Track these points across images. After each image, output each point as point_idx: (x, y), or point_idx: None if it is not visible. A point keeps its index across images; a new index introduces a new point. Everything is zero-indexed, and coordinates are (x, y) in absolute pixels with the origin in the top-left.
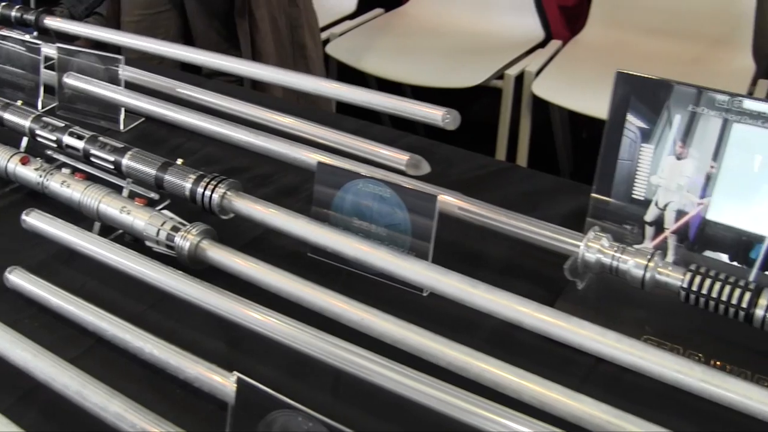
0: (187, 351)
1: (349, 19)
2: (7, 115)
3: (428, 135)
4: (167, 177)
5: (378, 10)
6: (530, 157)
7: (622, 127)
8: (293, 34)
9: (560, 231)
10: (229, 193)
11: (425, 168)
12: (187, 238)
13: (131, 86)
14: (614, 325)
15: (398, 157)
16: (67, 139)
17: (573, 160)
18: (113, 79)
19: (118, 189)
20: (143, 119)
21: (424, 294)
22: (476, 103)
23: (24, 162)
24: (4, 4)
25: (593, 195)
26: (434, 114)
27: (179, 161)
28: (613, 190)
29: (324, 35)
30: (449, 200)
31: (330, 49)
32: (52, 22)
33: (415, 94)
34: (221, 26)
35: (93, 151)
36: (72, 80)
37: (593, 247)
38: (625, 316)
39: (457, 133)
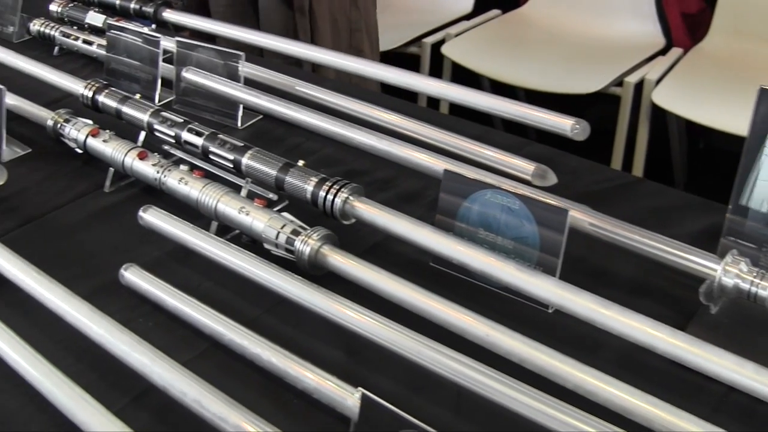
0: (304, 359)
1: (466, 19)
2: (125, 109)
3: (540, 140)
4: (288, 179)
5: (495, 12)
6: (645, 166)
7: (762, 146)
8: (351, 38)
9: (694, 251)
10: (351, 198)
11: (552, 179)
12: (308, 243)
13: (250, 83)
14: (749, 353)
15: (524, 166)
16: (186, 135)
17: (688, 171)
18: (232, 75)
19: (236, 188)
20: (261, 116)
21: (549, 311)
22: (591, 110)
23: (142, 157)
24: None
25: (729, 216)
26: (563, 123)
27: (300, 163)
28: (751, 212)
29: (439, 35)
30: (579, 215)
31: (446, 49)
32: (170, 15)
33: (529, 98)
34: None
35: (212, 149)
36: (191, 75)
37: (731, 272)
38: (762, 345)
39: (571, 140)
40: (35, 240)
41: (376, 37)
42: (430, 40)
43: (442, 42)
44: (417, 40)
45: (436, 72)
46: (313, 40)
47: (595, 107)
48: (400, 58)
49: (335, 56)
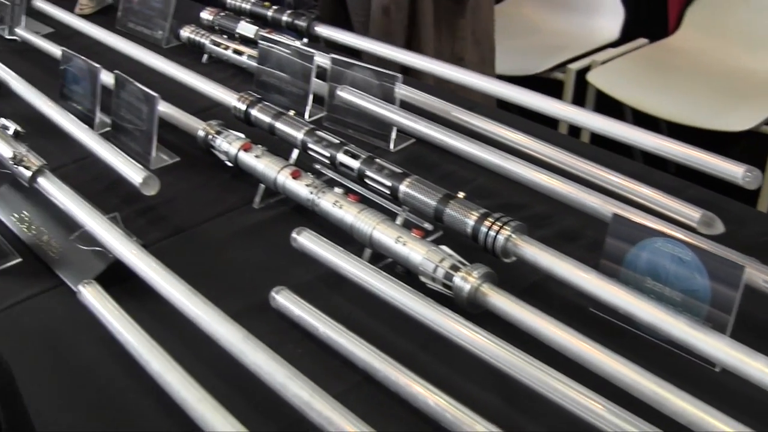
0: (458, 400)
1: (612, 46)
2: (279, 125)
3: (679, 175)
4: (448, 211)
5: (642, 40)
6: None
7: None
8: (454, 45)
9: None
10: (514, 235)
11: (719, 227)
12: (468, 280)
13: (404, 105)
14: None
15: (690, 212)
16: (342, 157)
17: None
18: (388, 96)
19: (390, 215)
20: (413, 140)
21: (716, 369)
22: (736, 148)
23: (295, 176)
24: (275, 8)
25: None
26: (733, 170)
27: (461, 194)
28: None
29: (585, 62)
30: (755, 271)
31: (591, 77)
32: (323, 30)
33: (671, 131)
34: None
35: (368, 173)
36: (346, 94)
37: None
38: None
39: (716, 179)
40: (184, 252)
41: (488, 48)
42: (575, 66)
43: (586, 68)
44: (562, 66)
45: (579, 98)
46: (413, 47)
47: (740, 145)
48: (543, 82)
49: (478, 78)
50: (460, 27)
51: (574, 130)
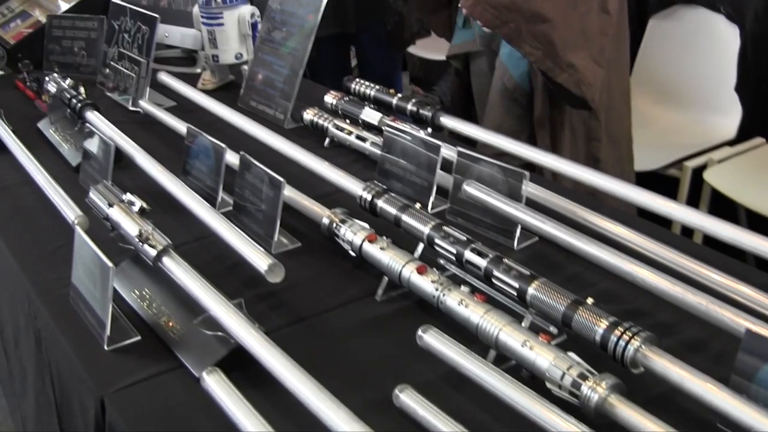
0: None
1: (729, 145)
2: (405, 218)
3: None
4: (577, 317)
5: (759, 140)
6: None
7: None
8: (588, 146)
9: None
10: (644, 347)
11: None
12: (596, 390)
13: (529, 202)
14: None
15: None
16: (469, 255)
17: None
18: (514, 193)
19: (516, 316)
20: (537, 239)
21: None
22: None
23: (421, 271)
24: (400, 96)
25: None
26: None
27: (589, 301)
28: None
29: (701, 160)
30: None
31: (708, 175)
32: (447, 121)
33: None
34: None
35: (496, 273)
36: (472, 189)
37: None
38: None
39: None
40: (304, 341)
41: (625, 147)
42: (691, 164)
43: (703, 166)
44: (677, 163)
45: (694, 196)
46: (552, 147)
47: None
48: (658, 178)
49: (591, 174)
50: (593, 129)
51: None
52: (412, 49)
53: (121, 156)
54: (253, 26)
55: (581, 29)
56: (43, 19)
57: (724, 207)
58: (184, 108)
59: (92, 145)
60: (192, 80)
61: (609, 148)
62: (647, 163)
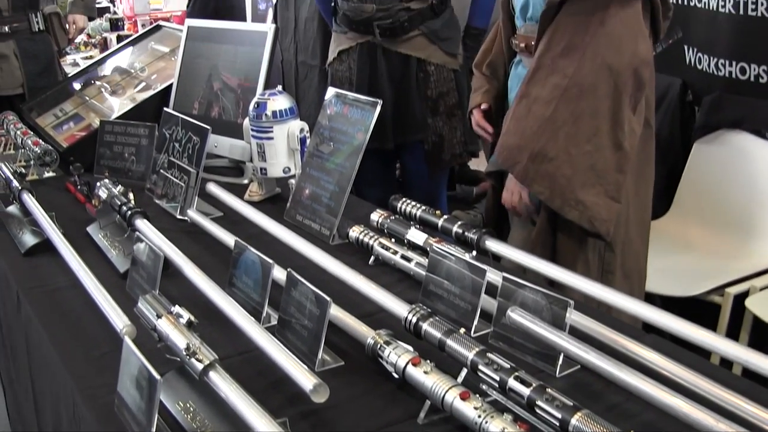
0: None
1: None
2: (450, 342)
3: None
4: None
5: None
6: None
7: None
8: (602, 279)
9: None
10: None
11: None
12: None
13: (573, 330)
14: None
15: None
16: (512, 383)
17: None
18: (557, 321)
19: None
20: (579, 366)
21: None
22: None
23: (464, 397)
24: (446, 217)
25: None
26: None
27: None
28: None
29: (743, 286)
30: None
31: (749, 303)
32: (493, 245)
33: None
34: None
35: (539, 403)
36: (517, 316)
37: None
38: None
39: None
40: None
41: (638, 282)
42: (732, 290)
43: (744, 293)
44: (719, 289)
45: (735, 322)
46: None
47: None
48: (699, 304)
49: (629, 301)
50: (607, 261)
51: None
52: None
53: (168, 265)
54: (302, 141)
55: (589, 167)
56: (95, 124)
57: (766, 335)
58: (230, 219)
59: (141, 253)
60: (239, 190)
61: (622, 281)
62: (688, 289)
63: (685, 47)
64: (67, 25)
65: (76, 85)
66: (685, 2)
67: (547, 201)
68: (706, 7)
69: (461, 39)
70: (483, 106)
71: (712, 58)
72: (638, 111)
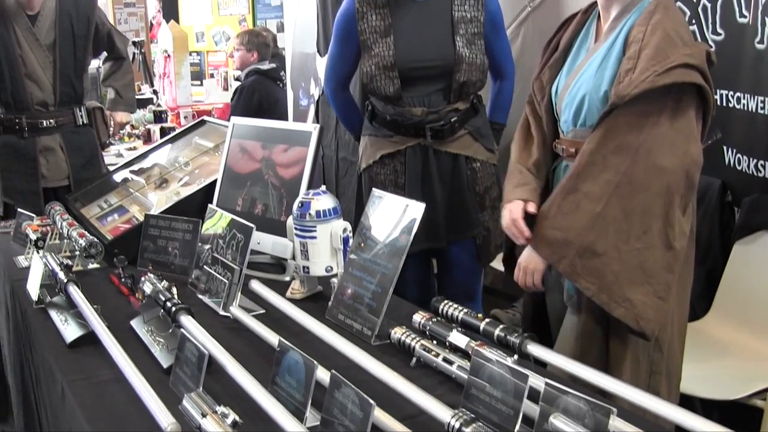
0: None
1: None
2: None
3: None
4: None
5: None
6: None
7: None
8: (650, 380)
9: None
10: None
11: None
12: None
13: None
14: None
15: None
16: None
17: None
18: (599, 428)
19: None
20: None
21: None
22: None
23: None
24: (488, 321)
25: None
26: None
27: None
28: None
29: None
30: None
31: None
32: (534, 349)
33: None
34: None
35: None
36: (558, 422)
37: None
38: None
39: None
40: None
41: (676, 382)
42: None
43: None
44: (761, 393)
45: None
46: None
47: None
48: (740, 407)
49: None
50: (655, 361)
51: None
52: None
53: (212, 361)
54: (345, 241)
55: (638, 265)
56: (138, 216)
57: None
58: (272, 316)
59: (185, 349)
60: (281, 287)
61: (665, 381)
62: (729, 392)
63: (725, 148)
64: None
65: (121, 177)
66: (724, 103)
67: (593, 297)
68: (745, 108)
69: None
70: (530, 207)
71: (751, 159)
72: (687, 212)
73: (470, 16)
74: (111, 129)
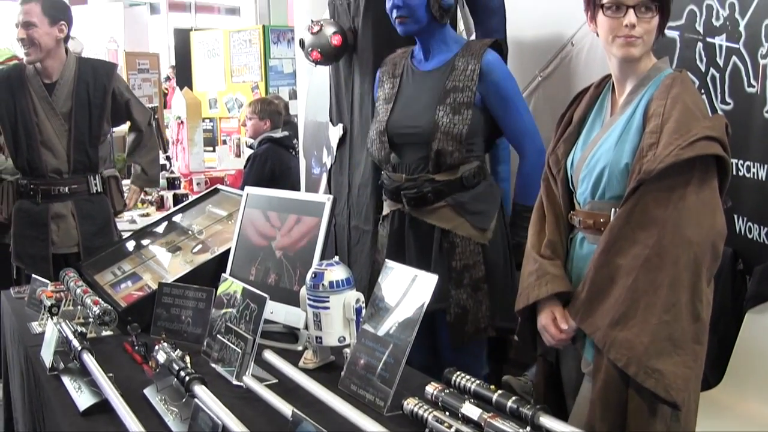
0: None
1: None
2: None
3: None
4: None
5: None
6: None
7: None
8: None
9: None
10: None
11: None
12: None
13: None
14: None
15: None
16: None
17: None
18: None
19: None
20: None
21: None
22: None
23: None
24: (500, 392)
25: None
26: None
27: None
28: None
29: None
30: None
31: None
32: (546, 421)
33: None
34: None
35: None
36: None
37: None
38: None
39: None
40: None
41: None
42: None
43: None
44: None
45: None
46: None
47: None
48: None
49: None
50: (674, 429)
51: None
52: None
53: (225, 431)
54: (358, 311)
55: (668, 336)
56: (151, 284)
57: None
58: (285, 386)
59: (199, 419)
60: (293, 356)
61: None
62: None
63: (735, 216)
64: (125, 189)
65: (134, 245)
66: (735, 172)
67: (623, 367)
68: (755, 177)
69: (497, 215)
70: (557, 313)
71: (762, 228)
72: (710, 282)
73: (462, 85)
74: (129, 204)
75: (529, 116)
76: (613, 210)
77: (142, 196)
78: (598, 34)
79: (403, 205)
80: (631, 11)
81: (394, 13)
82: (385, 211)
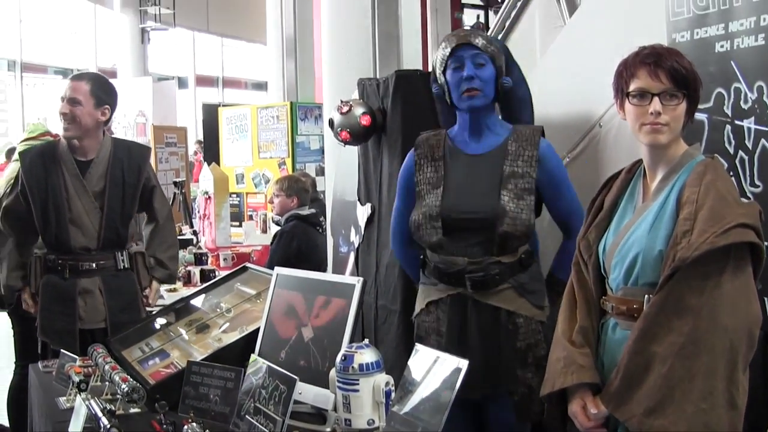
0: None
1: None
2: None
3: None
4: None
5: None
6: None
7: None
8: None
9: None
10: None
11: None
12: None
13: None
14: None
15: None
16: None
17: None
18: None
19: None
20: None
21: None
22: None
23: None
24: None
25: None
26: None
27: None
28: None
29: None
30: None
31: None
32: None
33: None
34: None
35: None
36: None
37: None
38: None
39: None
40: None
41: None
42: None
43: None
44: None
45: None
46: None
47: None
48: None
49: None
50: None
51: None
52: None
53: None
54: (387, 394)
55: (704, 424)
56: (178, 362)
57: None
58: None
59: None
60: None
61: None
62: None
63: (766, 300)
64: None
65: (162, 321)
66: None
67: None
68: None
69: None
70: (587, 400)
71: None
72: (746, 370)
73: (522, 171)
74: (150, 300)
75: (576, 196)
76: (646, 296)
77: None
78: (626, 120)
79: (465, 288)
80: (656, 99)
81: (464, 86)
82: (434, 296)
